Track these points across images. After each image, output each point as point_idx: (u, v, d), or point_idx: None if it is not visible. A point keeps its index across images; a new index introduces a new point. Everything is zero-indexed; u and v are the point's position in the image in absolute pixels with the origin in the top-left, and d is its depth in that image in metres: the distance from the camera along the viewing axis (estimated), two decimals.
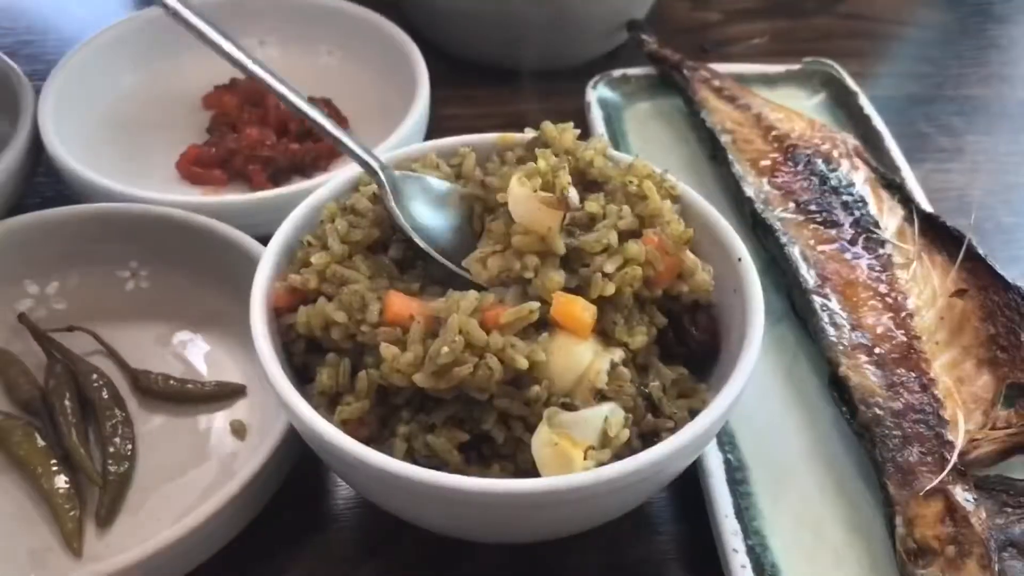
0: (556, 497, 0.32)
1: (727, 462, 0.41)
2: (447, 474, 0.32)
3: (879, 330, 0.44)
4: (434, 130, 0.57)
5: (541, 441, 0.34)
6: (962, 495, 0.38)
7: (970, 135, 0.64)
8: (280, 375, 0.35)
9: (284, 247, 0.39)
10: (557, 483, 0.32)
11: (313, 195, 0.41)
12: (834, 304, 0.45)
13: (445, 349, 0.34)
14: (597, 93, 0.61)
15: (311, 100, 0.61)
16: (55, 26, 0.73)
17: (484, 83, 0.66)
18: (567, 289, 0.37)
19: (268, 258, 0.39)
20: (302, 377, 0.37)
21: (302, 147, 0.59)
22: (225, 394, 0.47)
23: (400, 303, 0.36)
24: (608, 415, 0.35)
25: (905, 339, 0.44)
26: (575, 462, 0.33)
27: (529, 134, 0.43)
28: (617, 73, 0.63)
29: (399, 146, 0.50)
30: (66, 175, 0.54)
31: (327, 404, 0.35)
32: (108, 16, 0.73)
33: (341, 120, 0.61)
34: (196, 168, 0.57)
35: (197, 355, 0.49)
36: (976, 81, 0.69)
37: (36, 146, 0.55)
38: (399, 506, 0.37)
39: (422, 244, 0.38)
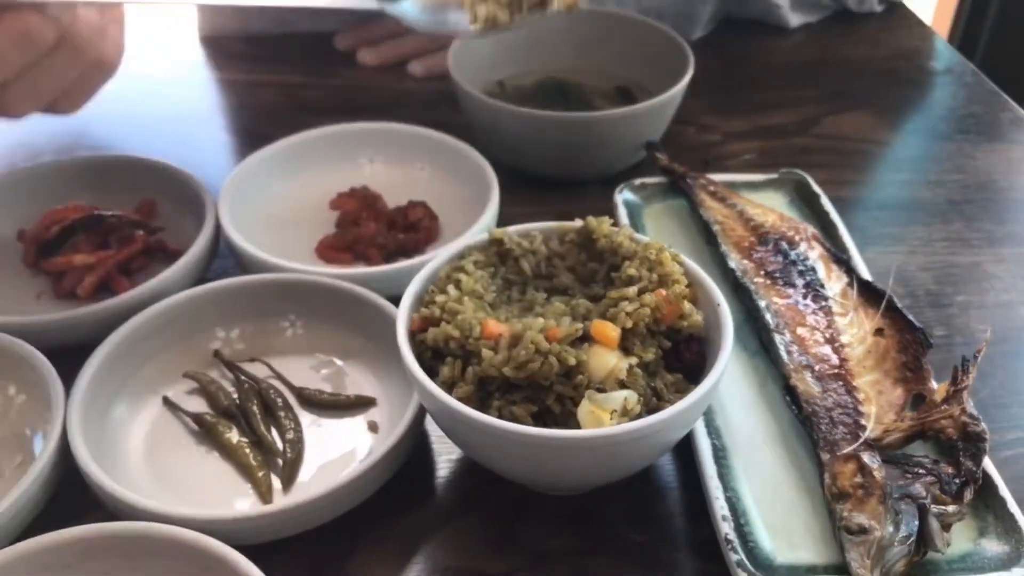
0: (593, 442, 0.51)
1: (713, 446, 0.59)
2: (525, 426, 0.51)
3: (819, 356, 0.62)
4: (503, 222, 0.77)
5: (583, 410, 0.52)
6: (869, 459, 0.56)
7: (911, 226, 0.82)
8: (419, 370, 0.54)
9: (415, 293, 0.59)
10: (593, 432, 0.51)
11: (433, 261, 0.61)
12: (788, 338, 0.64)
13: (523, 352, 0.53)
14: (622, 196, 0.80)
15: (411, 203, 0.82)
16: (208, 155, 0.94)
17: (538, 188, 0.84)
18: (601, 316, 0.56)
19: (406, 300, 0.58)
20: (429, 375, 0.56)
21: (406, 236, 0.78)
22: (362, 403, 0.65)
23: (493, 326, 0.55)
24: (627, 396, 0.53)
25: (837, 362, 0.62)
26: (605, 422, 0.52)
27: (578, 223, 0.63)
28: (637, 181, 0.80)
29: (479, 233, 0.70)
30: (239, 254, 0.73)
31: (446, 389, 0.54)
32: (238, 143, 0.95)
33: (433, 217, 0.82)
34: (330, 251, 0.78)
35: (340, 377, 0.67)
36: (919, 185, 0.87)
37: (216, 236, 0.76)
38: (490, 454, 0.55)
39: None
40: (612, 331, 0.55)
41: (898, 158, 0.92)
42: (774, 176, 0.82)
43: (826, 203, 0.78)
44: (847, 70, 1.05)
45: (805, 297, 0.67)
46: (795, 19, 1.12)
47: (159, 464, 0.61)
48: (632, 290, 0.57)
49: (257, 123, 0.98)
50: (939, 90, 1.03)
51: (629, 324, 0.56)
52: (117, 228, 0.75)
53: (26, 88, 0.63)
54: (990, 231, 0.81)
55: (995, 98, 0.99)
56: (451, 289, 0.58)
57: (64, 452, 0.58)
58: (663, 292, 0.57)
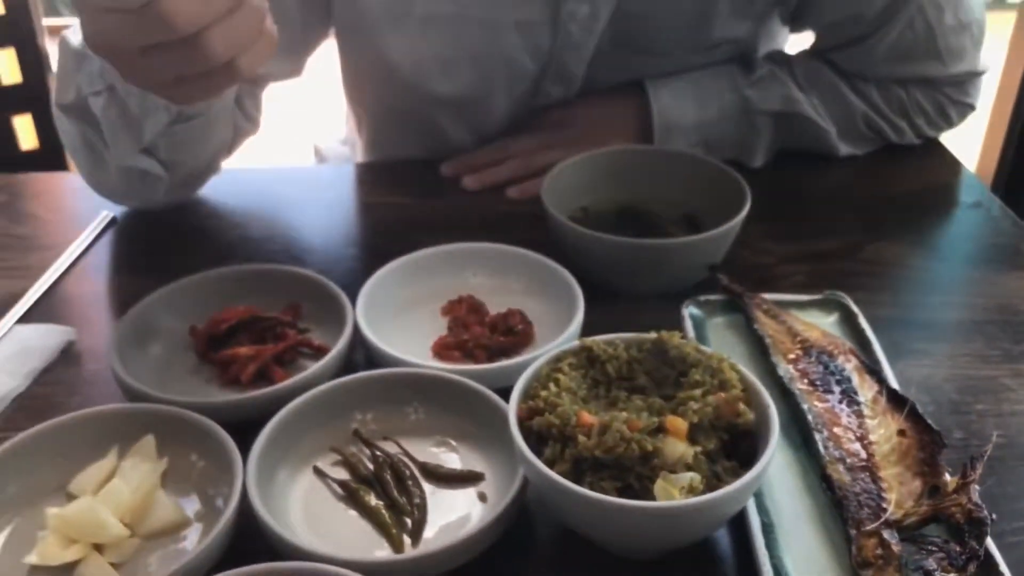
0: (665, 512, 0.64)
1: (762, 522, 0.72)
2: (612, 497, 0.66)
3: (851, 451, 0.76)
4: (587, 328, 0.91)
5: (658, 487, 0.66)
6: (889, 535, 0.68)
7: (937, 343, 0.95)
8: (528, 450, 0.69)
9: (523, 388, 0.74)
10: (666, 504, 0.65)
11: (536, 362, 0.76)
12: (825, 435, 0.77)
13: (610, 439, 0.67)
14: (688, 311, 0.95)
15: (509, 311, 0.98)
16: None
17: (616, 299, 0.97)
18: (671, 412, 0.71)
19: (515, 394, 0.73)
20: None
21: (505, 339, 0.94)
22: (473, 477, 0.78)
23: (586, 417, 0.70)
24: (693, 477, 0.67)
25: (866, 456, 0.75)
26: (675, 497, 0.65)
27: (653, 335, 0.78)
28: (702, 298, 0.95)
29: (568, 340, 0.86)
30: (373, 351, 0.89)
31: (548, 466, 0.69)
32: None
33: (528, 323, 0.97)
34: (444, 350, 0.93)
35: (454, 456, 0.82)
36: (946, 307, 1.00)
37: (356, 334, 0.93)
38: (582, 520, 0.69)
39: None
40: (682, 425, 0.69)
41: (929, 282, 1.05)
42: (819, 297, 0.96)
43: (863, 322, 0.92)
44: (888, 201, 1.20)
45: (840, 402, 0.81)
46: (843, 148, 1.26)
47: (313, 520, 0.76)
48: (697, 392, 0.72)
49: (378, 238, 1.15)
50: (968, 221, 1.17)
51: (695, 420, 0.70)
52: (272, 327, 0.92)
53: (225, 31, 0.68)
54: (1007, 349, 0.94)
55: (1017, 230, 1.12)
56: (552, 386, 0.74)
57: (242, 507, 0.73)
58: (723, 395, 0.72)
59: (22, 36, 1.78)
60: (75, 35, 0.88)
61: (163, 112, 0.91)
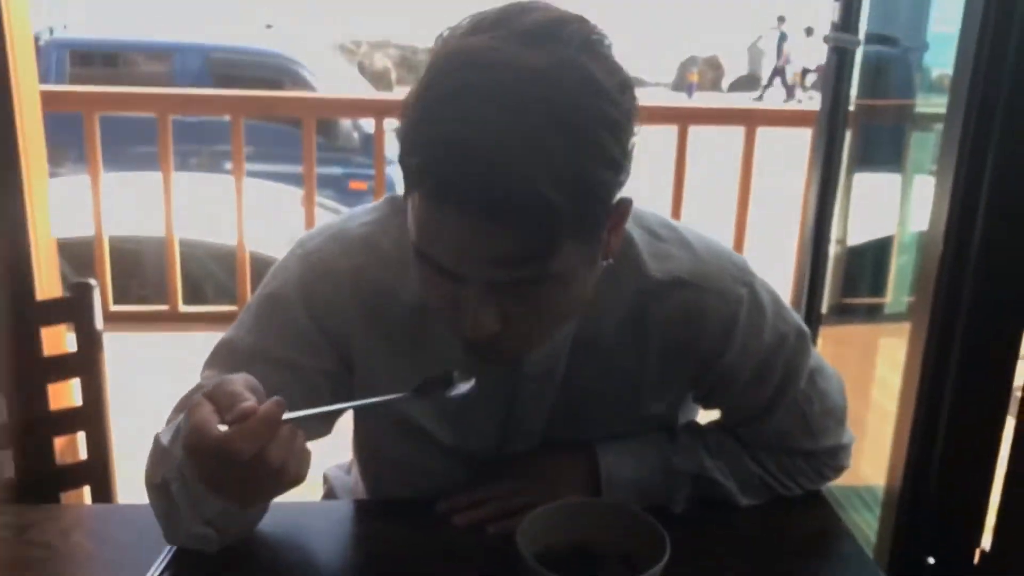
0: None
1: None
2: None
3: None
4: None
5: None
6: None
7: None
8: None
9: None
10: None
11: None
12: None
13: None
14: None
15: None
16: None
17: None
18: None
19: None
20: None
21: None
22: None
23: None
24: None
25: None
26: None
27: None
28: None
29: None
30: None
31: None
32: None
33: None
34: None
35: None
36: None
37: None
38: None
39: None
40: None
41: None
42: None
43: None
44: (777, 545, 1.56)
45: None
46: (744, 500, 1.65)
47: None
48: None
49: (388, 567, 1.48)
50: (839, 567, 1.54)
51: None
52: None
53: (296, 458, 1.11)
54: None
55: (869, 569, 1.50)
56: None
57: None
58: None
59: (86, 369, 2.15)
60: (165, 436, 1.27)
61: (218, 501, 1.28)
